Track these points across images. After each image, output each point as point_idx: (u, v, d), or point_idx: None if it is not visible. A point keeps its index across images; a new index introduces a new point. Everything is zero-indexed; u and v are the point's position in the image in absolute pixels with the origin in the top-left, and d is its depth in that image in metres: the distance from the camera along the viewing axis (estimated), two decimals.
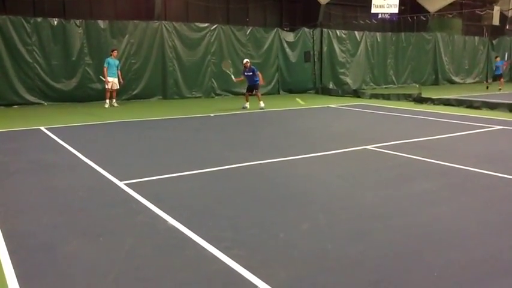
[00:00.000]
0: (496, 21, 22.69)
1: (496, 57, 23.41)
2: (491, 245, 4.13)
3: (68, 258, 3.84)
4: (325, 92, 20.55)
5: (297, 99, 16.13)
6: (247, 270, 3.56)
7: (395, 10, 19.03)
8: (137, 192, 5.54)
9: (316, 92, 20.96)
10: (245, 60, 14.90)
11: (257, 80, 14.53)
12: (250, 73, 14.51)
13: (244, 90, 15.20)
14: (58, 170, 6.82)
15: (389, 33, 24.17)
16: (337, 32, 21.91)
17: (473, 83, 27.35)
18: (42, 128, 10.37)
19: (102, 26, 16.11)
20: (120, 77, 14.94)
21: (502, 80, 22.55)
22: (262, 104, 14.66)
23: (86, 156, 7.51)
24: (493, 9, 22.76)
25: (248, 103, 14.71)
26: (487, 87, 22.35)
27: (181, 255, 3.90)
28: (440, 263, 3.75)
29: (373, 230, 4.47)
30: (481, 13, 25.45)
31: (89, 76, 15.91)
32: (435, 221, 4.72)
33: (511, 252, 3.98)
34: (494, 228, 4.55)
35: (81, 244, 4.12)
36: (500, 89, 21.82)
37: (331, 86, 21.53)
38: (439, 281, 3.45)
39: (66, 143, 8.67)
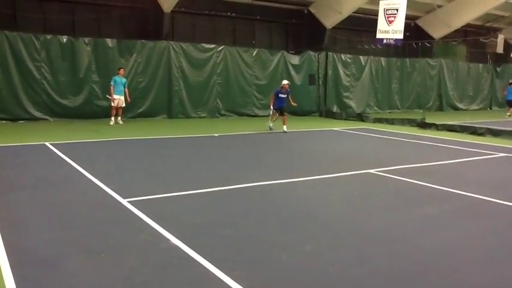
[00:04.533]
0: (500, 49, 22.88)
1: (511, 83, 23.25)
2: (492, 272, 4.10)
3: (70, 275, 3.84)
4: (329, 115, 20.64)
5: None
6: None
7: (401, 36, 19.19)
8: (140, 210, 5.55)
9: (320, 115, 21.05)
10: (286, 82, 14.58)
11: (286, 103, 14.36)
12: (285, 95, 14.29)
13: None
14: (62, 186, 6.84)
15: (394, 58, 24.37)
16: (342, 56, 22.12)
17: (477, 109, 27.42)
18: (47, 144, 10.43)
19: (110, 45, 16.33)
20: (127, 95, 15.08)
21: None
22: (285, 128, 14.29)
23: (89, 173, 7.55)
24: (497, 38, 22.98)
25: (273, 123, 14.45)
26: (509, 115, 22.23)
27: (183, 274, 3.89)
28: None
29: (375, 254, 4.46)
30: (485, 41, 25.64)
31: (96, 93, 16.06)
32: (438, 246, 4.70)
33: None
34: (496, 256, 4.52)
35: (83, 261, 4.12)
36: (509, 115, 21.95)
37: (335, 109, 21.63)
38: None
39: (70, 159, 8.72)
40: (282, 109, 14.36)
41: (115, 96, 14.80)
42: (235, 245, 4.60)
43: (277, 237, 4.88)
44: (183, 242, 4.52)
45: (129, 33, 18.10)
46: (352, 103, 22.44)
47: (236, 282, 3.70)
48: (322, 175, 7.98)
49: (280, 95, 14.24)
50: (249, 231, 5.05)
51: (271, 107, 14.36)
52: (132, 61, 16.76)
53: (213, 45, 18.53)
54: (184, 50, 17.84)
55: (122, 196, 6.18)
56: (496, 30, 28.00)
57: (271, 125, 14.41)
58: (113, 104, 14.86)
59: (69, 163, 8.42)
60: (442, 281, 3.89)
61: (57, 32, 15.88)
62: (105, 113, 15.42)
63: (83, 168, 7.94)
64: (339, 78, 22.02)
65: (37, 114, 15.30)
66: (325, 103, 21.60)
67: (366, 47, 21.98)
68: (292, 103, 14.37)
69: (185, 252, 4.31)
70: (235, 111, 19.04)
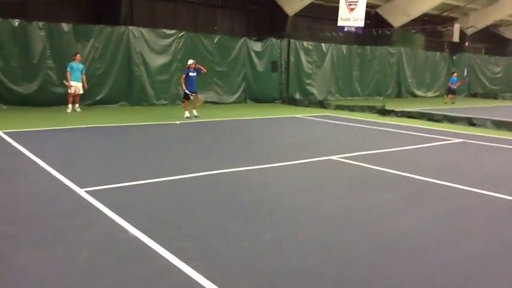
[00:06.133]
0: (456, 38, 23.51)
1: (453, 72, 24.34)
2: (450, 256, 4.20)
3: (19, 271, 3.67)
4: (292, 102, 20.72)
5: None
6: (209, 281, 3.50)
7: (361, 24, 19.40)
8: (97, 200, 5.38)
9: (283, 102, 21.10)
10: (191, 61, 14.12)
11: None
12: (195, 74, 13.93)
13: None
14: (14, 176, 6.56)
15: (355, 46, 24.63)
16: (304, 43, 22.18)
17: (434, 96, 28.17)
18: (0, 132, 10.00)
19: (65, 29, 15.73)
20: (84, 82, 14.61)
21: (451, 95, 23.47)
22: (188, 114, 13.94)
23: (45, 162, 7.26)
24: (453, 27, 23.58)
25: (188, 112, 14.00)
26: (452, 102, 23.05)
27: (141, 266, 3.79)
28: (400, 274, 3.80)
29: (335, 240, 4.49)
30: (442, 30, 26.29)
31: (51, 80, 15.47)
32: (396, 232, 4.78)
33: (467, 263, 4.07)
34: (453, 239, 4.64)
35: (34, 255, 3.95)
36: (445, 103, 22.81)
37: (297, 96, 21.73)
38: None
39: (25, 148, 8.36)
40: (194, 92, 14.05)
41: (72, 83, 14.31)
42: (195, 234, 4.53)
43: (238, 225, 4.84)
44: (141, 232, 4.41)
45: (85, 17, 17.48)
46: (314, 90, 22.59)
47: (197, 272, 3.64)
48: (284, 162, 7.98)
49: (190, 74, 13.87)
50: (209, 220, 4.99)
51: (185, 91, 13.94)
52: (89, 47, 16.21)
53: (173, 31, 18.17)
54: (144, 36, 17.40)
55: (78, 186, 5.97)
56: (452, 20, 28.74)
57: (187, 114, 13.89)
58: (70, 91, 14.37)
59: (23, 153, 8.08)
60: (399, 267, 3.96)
61: (7, 15, 15.14)
62: (62, 100, 14.87)
63: (38, 157, 7.63)
64: (301, 65, 22.10)
65: None
66: (288, 90, 21.66)
67: (328, 34, 22.12)
68: (203, 69, 14.11)
69: (144, 243, 4.21)
70: None
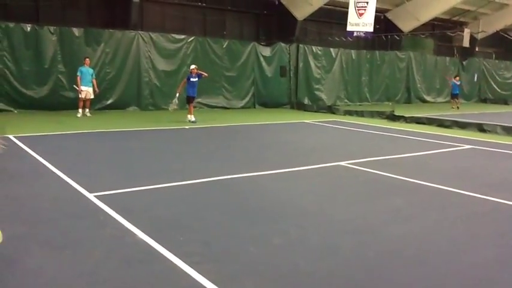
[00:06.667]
0: (466, 43, 23.38)
1: (456, 76, 24.24)
2: (458, 262, 4.18)
3: (30, 272, 3.71)
4: (300, 107, 20.70)
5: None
6: (216, 285, 3.51)
7: (371, 29, 19.37)
8: (106, 204, 5.42)
9: (291, 107, 21.10)
10: (193, 66, 14.18)
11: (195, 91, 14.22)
12: (196, 79, 13.99)
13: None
14: (24, 180, 6.63)
15: (364, 50, 24.56)
16: (313, 48, 22.17)
17: (444, 102, 27.99)
18: (10, 137, 10.08)
19: (76, 34, 15.88)
20: (95, 86, 14.72)
21: (453, 99, 23.38)
22: (193, 118, 14.03)
23: (55, 167, 7.33)
24: (463, 31, 23.46)
25: (193, 116, 14.10)
26: (458, 107, 23.00)
27: (150, 269, 3.81)
28: (409, 279, 3.78)
29: (344, 245, 4.48)
30: (452, 35, 26.17)
31: (62, 84, 15.61)
32: (404, 237, 4.76)
33: (477, 269, 4.04)
34: (461, 246, 4.61)
35: (44, 257, 3.99)
36: (453, 108, 22.71)
37: (306, 101, 21.71)
38: None
39: (35, 152, 8.45)
40: (193, 98, 14.25)
41: (83, 88, 14.40)
42: (202, 239, 4.54)
43: (246, 230, 4.85)
44: (149, 237, 4.44)
45: (96, 21, 17.64)
46: (322, 95, 22.56)
47: (204, 276, 3.65)
48: (293, 168, 7.97)
49: (191, 79, 13.94)
50: (217, 224, 5.00)
51: (177, 94, 14.14)
52: (99, 51, 16.35)
53: (183, 36, 18.26)
54: (153, 41, 17.51)
55: (88, 190, 6.02)
56: (462, 24, 28.60)
57: (192, 118, 13.95)
58: (80, 96, 14.47)
59: (33, 156, 8.16)
60: (408, 272, 3.94)
61: (19, 19, 15.32)
62: (72, 104, 15.00)
63: (48, 161, 7.70)
64: (310, 70, 22.08)
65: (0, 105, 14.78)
66: (297, 95, 21.65)
67: (337, 39, 22.10)
68: (204, 74, 14.16)
69: (152, 247, 4.23)
70: (206, 104, 18.86)
